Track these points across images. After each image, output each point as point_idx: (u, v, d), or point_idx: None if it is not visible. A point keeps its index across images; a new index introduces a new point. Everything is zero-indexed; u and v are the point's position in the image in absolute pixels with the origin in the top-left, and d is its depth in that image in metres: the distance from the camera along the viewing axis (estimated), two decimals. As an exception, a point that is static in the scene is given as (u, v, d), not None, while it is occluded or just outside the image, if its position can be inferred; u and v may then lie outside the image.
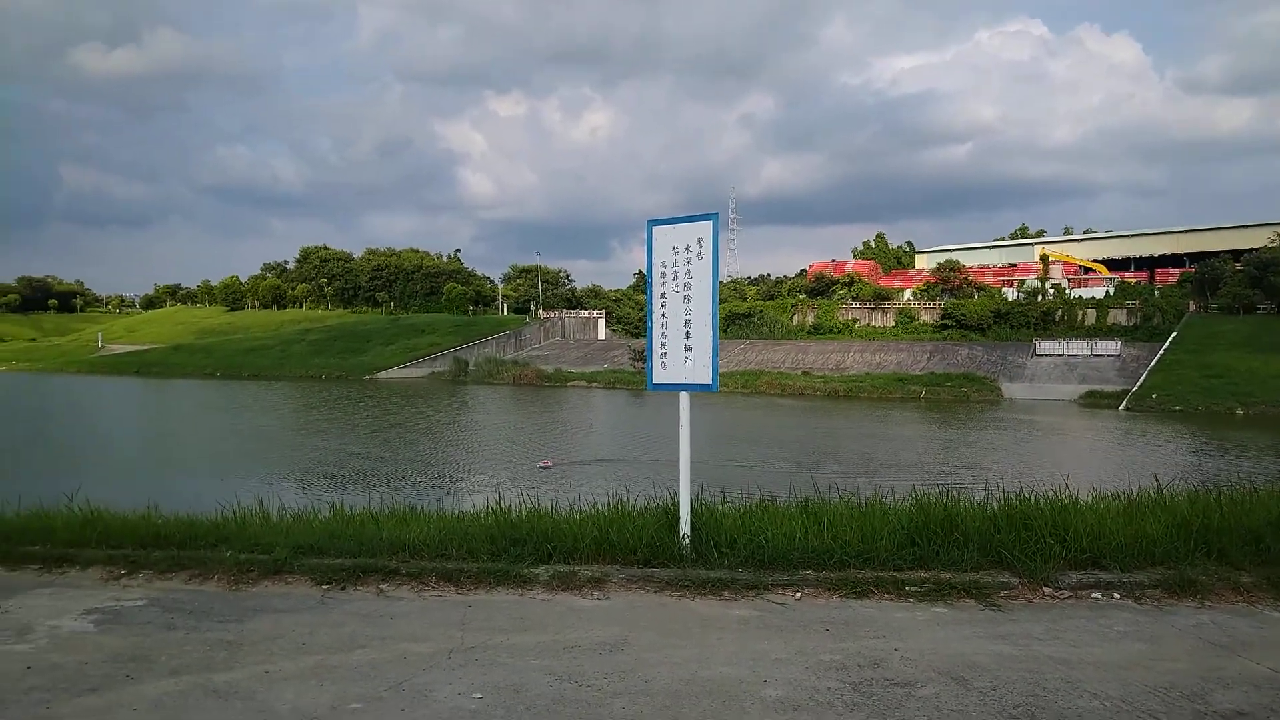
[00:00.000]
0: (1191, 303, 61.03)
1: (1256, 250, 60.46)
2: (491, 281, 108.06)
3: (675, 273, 6.53)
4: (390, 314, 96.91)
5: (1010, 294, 71.37)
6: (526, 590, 5.88)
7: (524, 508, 7.32)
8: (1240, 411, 41.20)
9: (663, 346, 6.62)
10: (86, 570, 6.53)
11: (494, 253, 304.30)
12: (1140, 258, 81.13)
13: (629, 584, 5.91)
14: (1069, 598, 5.58)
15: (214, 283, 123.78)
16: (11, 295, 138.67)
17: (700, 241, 6.40)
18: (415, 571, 6.15)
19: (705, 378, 6.45)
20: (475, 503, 10.90)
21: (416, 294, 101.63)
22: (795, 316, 78.06)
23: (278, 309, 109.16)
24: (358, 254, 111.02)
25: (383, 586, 6.02)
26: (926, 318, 71.34)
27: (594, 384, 61.13)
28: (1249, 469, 23.37)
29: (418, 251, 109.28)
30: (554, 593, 5.82)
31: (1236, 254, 63.78)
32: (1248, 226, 72.81)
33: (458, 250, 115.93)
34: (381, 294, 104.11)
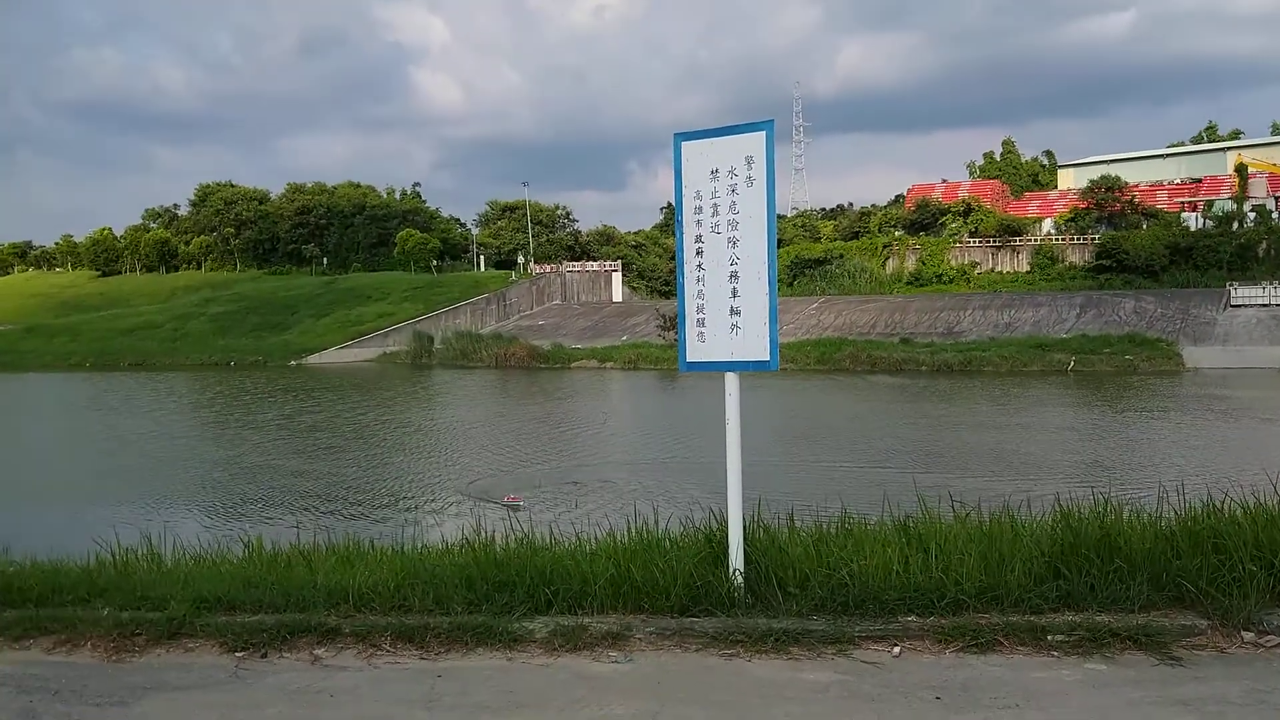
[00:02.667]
0: None
1: None
2: (463, 225, 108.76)
3: (716, 206, 6.49)
4: (323, 274, 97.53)
5: (1193, 221, 70.59)
6: (518, 652, 5.91)
7: (513, 539, 7.35)
8: None
9: (700, 310, 6.59)
10: (-93, 639, 6.63)
11: (465, 186, 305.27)
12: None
13: (660, 640, 5.93)
14: (1278, 646, 5.54)
15: (78, 238, 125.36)
16: None
17: (750, 161, 6.35)
18: (363, 630, 6.21)
19: (760, 352, 6.42)
20: (445, 533, 10.97)
21: (359, 246, 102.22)
22: (889, 261, 77.82)
23: (167, 271, 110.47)
24: (276, 192, 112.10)
25: (319, 652, 6.08)
26: (1074, 258, 70.86)
27: (608, 364, 61.38)
28: None
29: (359, 186, 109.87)
30: (556, 655, 5.85)
31: None
32: None
33: (416, 184, 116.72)
34: (310, 247, 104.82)
